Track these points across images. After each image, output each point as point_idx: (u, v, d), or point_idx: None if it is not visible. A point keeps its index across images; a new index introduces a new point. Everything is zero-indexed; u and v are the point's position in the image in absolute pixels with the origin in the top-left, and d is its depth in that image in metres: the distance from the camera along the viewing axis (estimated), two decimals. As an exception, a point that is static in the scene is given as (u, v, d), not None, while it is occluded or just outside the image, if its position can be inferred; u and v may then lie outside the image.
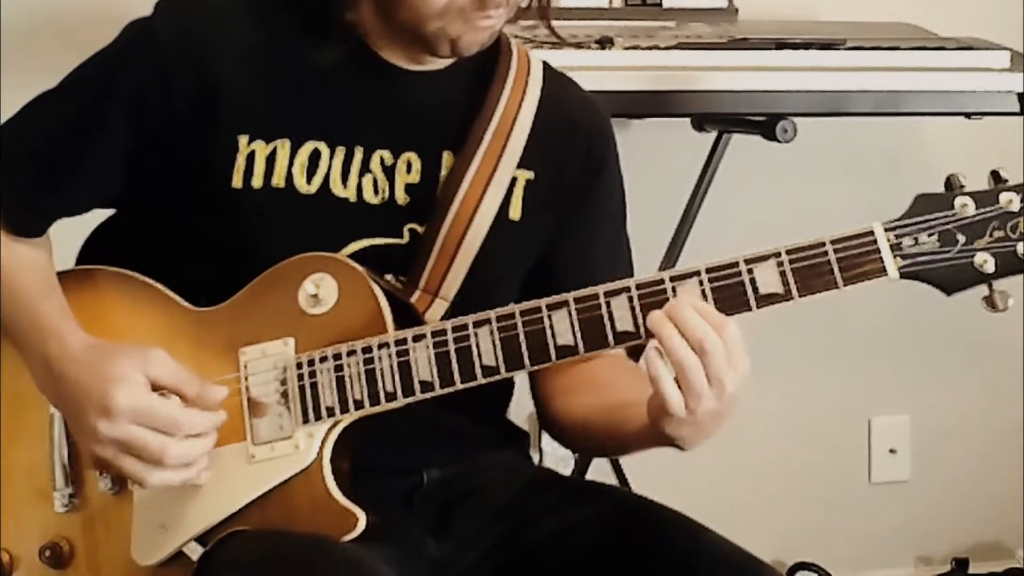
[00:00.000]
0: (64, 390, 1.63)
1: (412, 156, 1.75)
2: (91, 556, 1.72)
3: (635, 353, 1.99)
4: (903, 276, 1.52)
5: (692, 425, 1.55)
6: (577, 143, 1.84)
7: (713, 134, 2.76)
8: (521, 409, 1.90)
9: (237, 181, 1.70)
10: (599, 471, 2.79)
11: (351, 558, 1.54)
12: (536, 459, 2.00)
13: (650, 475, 2.60)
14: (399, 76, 1.75)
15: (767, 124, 2.47)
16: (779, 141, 2.46)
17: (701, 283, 1.53)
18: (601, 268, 1.75)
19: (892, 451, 3.31)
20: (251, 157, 1.70)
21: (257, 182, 1.70)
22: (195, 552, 1.64)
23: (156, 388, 1.59)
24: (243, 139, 1.70)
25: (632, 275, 1.63)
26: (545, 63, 1.86)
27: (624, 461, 2.80)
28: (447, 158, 1.76)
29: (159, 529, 1.66)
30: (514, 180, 1.78)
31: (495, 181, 1.75)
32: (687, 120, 2.84)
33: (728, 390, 1.51)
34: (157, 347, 1.62)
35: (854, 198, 3.08)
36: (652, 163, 2.86)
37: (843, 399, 3.26)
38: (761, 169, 3.02)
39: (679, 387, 1.51)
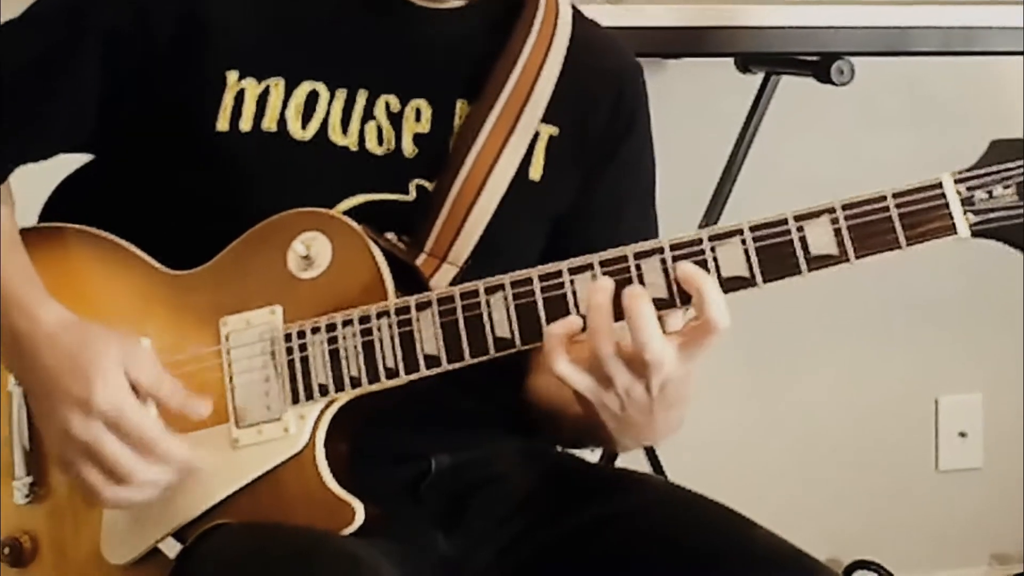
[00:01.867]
0: (33, 373, 1.62)
1: (422, 103, 1.74)
2: (56, 553, 1.71)
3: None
4: (975, 235, 1.50)
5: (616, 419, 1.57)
6: (605, 95, 1.83)
7: (760, 76, 2.77)
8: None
9: (223, 123, 1.69)
10: (630, 457, 2.77)
11: (349, 554, 1.53)
12: (558, 443, 1.99)
13: (689, 462, 2.60)
14: (411, 13, 1.75)
15: (820, 65, 2.49)
16: (834, 84, 2.48)
17: (744, 242, 1.51)
18: (629, 235, 1.73)
19: (962, 435, 3.32)
20: (240, 96, 1.70)
21: (245, 125, 1.70)
22: (172, 549, 1.63)
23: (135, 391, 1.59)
24: (232, 75, 1.70)
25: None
26: (574, 6, 1.85)
27: (659, 447, 2.79)
28: (461, 107, 1.75)
29: (132, 523, 1.65)
30: (536, 135, 1.77)
31: (516, 135, 1.74)
32: (731, 61, 2.85)
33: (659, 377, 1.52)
34: (144, 340, 1.62)
35: (918, 148, 3.09)
36: (691, 109, 2.88)
37: (907, 377, 3.27)
38: (813, 115, 3.04)
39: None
